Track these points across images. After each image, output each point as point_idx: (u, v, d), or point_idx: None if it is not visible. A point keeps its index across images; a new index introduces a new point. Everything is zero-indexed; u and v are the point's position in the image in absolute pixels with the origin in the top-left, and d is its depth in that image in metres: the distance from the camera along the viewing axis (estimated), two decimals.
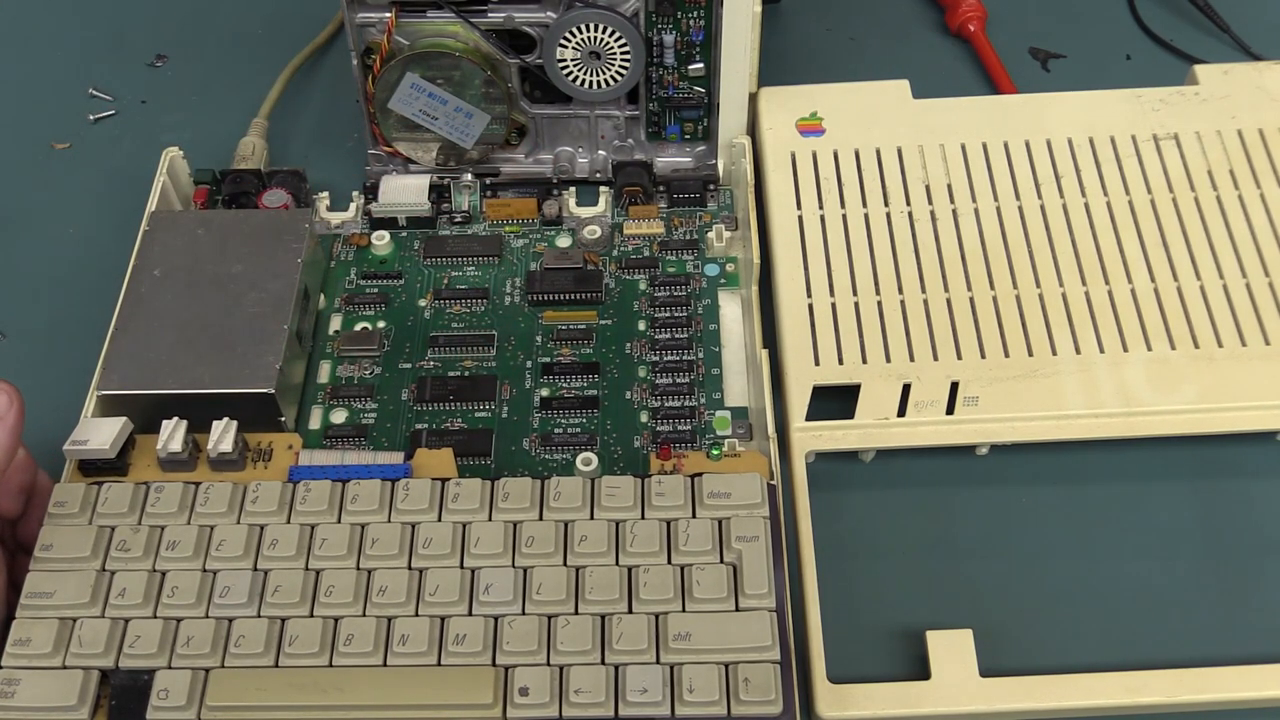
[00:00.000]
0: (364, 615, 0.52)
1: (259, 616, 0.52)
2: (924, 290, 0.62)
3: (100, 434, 0.55)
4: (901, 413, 0.59)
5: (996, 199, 0.65)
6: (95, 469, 0.56)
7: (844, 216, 0.65)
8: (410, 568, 0.53)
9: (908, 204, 0.65)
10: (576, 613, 0.52)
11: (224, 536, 0.53)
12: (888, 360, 0.60)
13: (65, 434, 0.56)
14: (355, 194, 0.68)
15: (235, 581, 0.52)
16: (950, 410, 0.59)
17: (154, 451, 0.56)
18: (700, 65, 0.66)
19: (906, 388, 0.59)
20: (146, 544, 0.53)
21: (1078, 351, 0.60)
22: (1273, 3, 0.79)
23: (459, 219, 0.68)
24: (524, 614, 0.52)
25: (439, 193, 0.68)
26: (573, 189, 0.68)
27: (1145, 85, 0.69)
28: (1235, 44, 0.77)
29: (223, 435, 0.56)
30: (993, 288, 0.62)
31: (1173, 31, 0.78)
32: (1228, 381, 0.59)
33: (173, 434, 0.56)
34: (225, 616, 0.52)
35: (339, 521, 0.54)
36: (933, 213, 0.65)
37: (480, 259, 0.66)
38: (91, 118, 0.76)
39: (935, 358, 0.60)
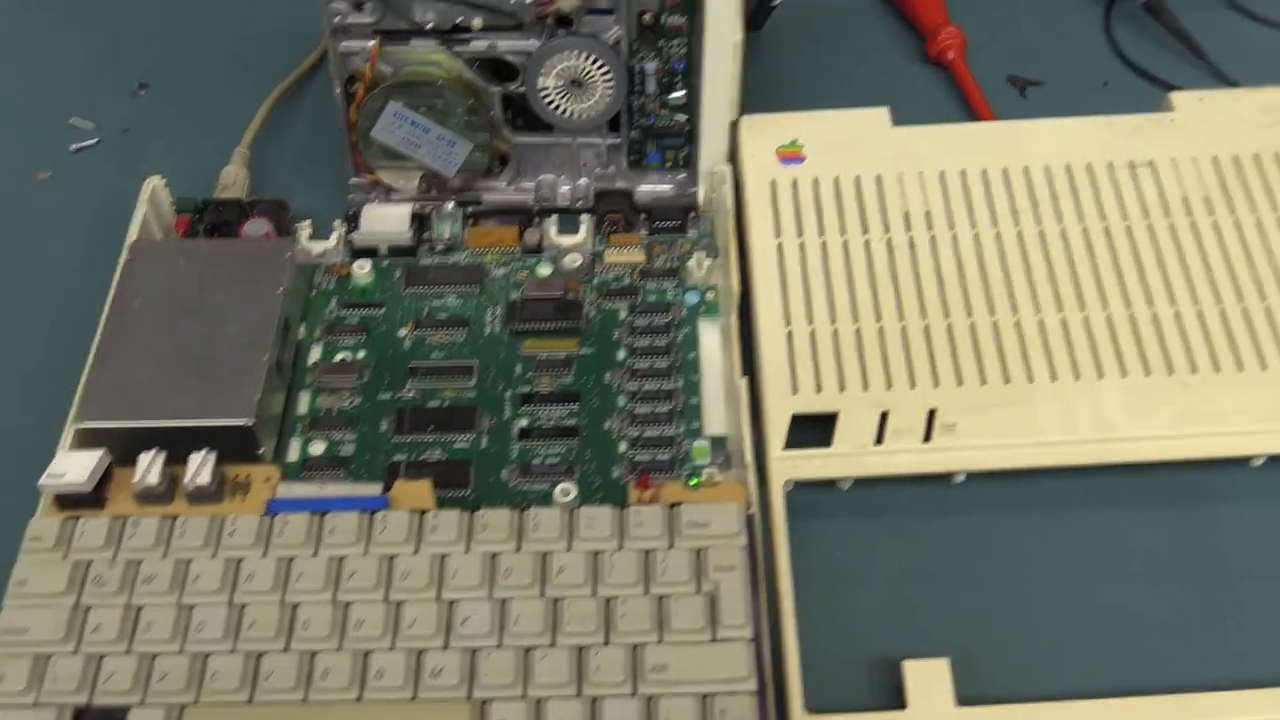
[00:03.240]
0: (340, 649, 0.52)
1: (234, 652, 0.52)
2: (902, 318, 0.63)
3: (77, 467, 0.55)
4: (879, 441, 0.59)
5: (975, 226, 0.66)
6: (72, 503, 0.56)
7: (824, 244, 0.65)
8: (387, 601, 0.53)
9: (887, 231, 0.66)
10: (554, 645, 0.52)
11: (200, 570, 0.53)
12: (865, 388, 0.60)
13: (41, 467, 0.56)
14: (337, 223, 0.68)
15: (211, 616, 0.52)
16: (927, 438, 0.59)
17: (131, 485, 0.56)
18: (682, 93, 0.66)
19: (884, 415, 0.60)
20: (122, 579, 0.53)
21: (1054, 378, 0.60)
22: (1248, 30, 0.80)
23: (440, 248, 0.68)
24: (501, 647, 0.52)
25: (420, 221, 0.68)
26: (554, 217, 0.69)
27: (1122, 112, 0.69)
28: (1211, 71, 0.77)
29: (200, 468, 0.56)
30: (970, 315, 0.63)
31: (1149, 59, 0.78)
32: (1203, 407, 0.59)
33: (150, 467, 0.56)
34: (200, 652, 0.52)
35: (316, 555, 0.54)
36: (911, 240, 0.65)
37: (461, 288, 0.66)
38: (73, 147, 0.76)
39: (912, 385, 0.60)
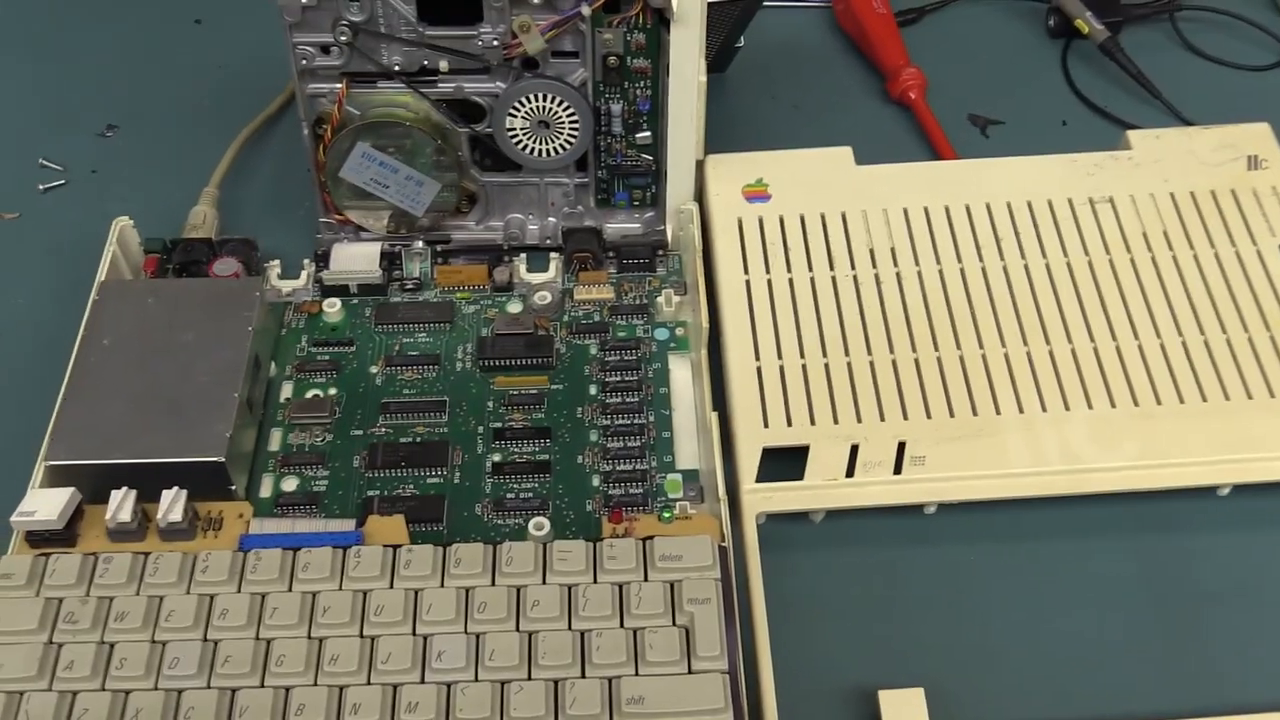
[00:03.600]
0: (315, 685, 0.51)
1: (209, 688, 0.51)
2: (870, 352, 0.63)
3: (48, 505, 0.55)
4: (850, 473, 0.60)
5: (939, 262, 0.67)
6: (43, 540, 0.55)
7: (790, 280, 0.66)
8: (362, 635, 0.53)
9: (852, 268, 0.67)
10: (529, 678, 0.52)
11: (173, 607, 0.53)
12: (835, 421, 0.61)
13: (12, 505, 0.55)
14: (306, 262, 0.69)
15: (185, 652, 0.52)
16: (898, 470, 0.60)
17: (103, 522, 0.56)
18: (647, 134, 0.67)
19: (854, 448, 0.60)
20: (95, 615, 0.53)
21: (1021, 410, 0.61)
22: (1202, 70, 0.82)
23: (410, 286, 0.68)
24: (477, 680, 0.52)
25: (390, 260, 0.68)
26: (523, 255, 0.69)
27: (1081, 150, 0.71)
28: (1167, 110, 0.79)
29: (172, 505, 0.55)
30: (937, 349, 0.63)
31: (1107, 98, 0.80)
32: (1167, 438, 0.60)
33: (121, 504, 0.55)
34: (175, 688, 0.51)
35: (290, 590, 0.54)
36: (877, 276, 0.66)
37: (432, 325, 0.66)
38: (41, 187, 0.76)
39: (882, 418, 0.61)
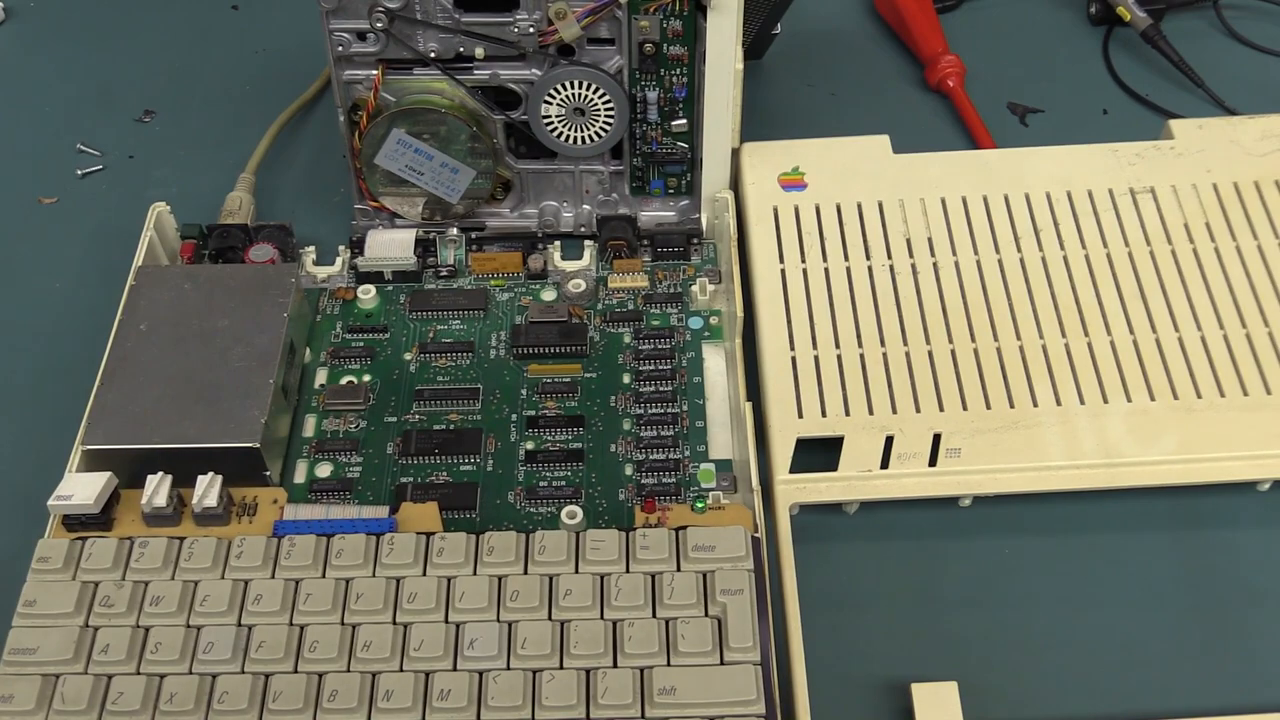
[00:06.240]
0: (348, 670, 0.52)
1: (243, 673, 0.52)
2: (906, 343, 0.63)
3: (85, 489, 0.55)
4: (884, 465, 0.59)
5: (977, 252, 0.66)
6: (80, 524, 0.56)
7: (826, 270, 0.66)
8: (395, 622, 0.53)
9: (889, 257, 0.66)
10: (561, 667, 0.52)
11: (208, 592, 0.53)
12: (870, 412, 0.61)
13: (49, 489, 0.56)
14: (341, 248, 0.69)
15: (219, 637, 0.52)
16: (933, 462, 0.59)
17: (139, 506, 0.56)
18: (683, 121, 0.67)
19: (889, 440, 0.60)
20: (130, 600, 0.53)
21: (1058, 403, 0.61)
22: (1245, 58, 0.81)
23: (444, 273, 0.68)
24: (509, 669, 0.52)
25: (424, 247, 0.68)
26: (557, 243, 0.69)
27: (1122, 140, 0.70)
28: (1210, 99, 0.78)
29: (207, 490, 0.56)
30: (974, 340, 0.63)
31: (1148, 87, 0.79)
32: (1207, 432, 0.60)
33: (157, 489, 0.56)
34: (209, 673, 0.52)
35: (323, 576, 0.54)
36: (914, 266, 0.66)
37: (465, 312, 0.66)
38: (79, 172, 0.76)
39: (917, 410, 0.61)
